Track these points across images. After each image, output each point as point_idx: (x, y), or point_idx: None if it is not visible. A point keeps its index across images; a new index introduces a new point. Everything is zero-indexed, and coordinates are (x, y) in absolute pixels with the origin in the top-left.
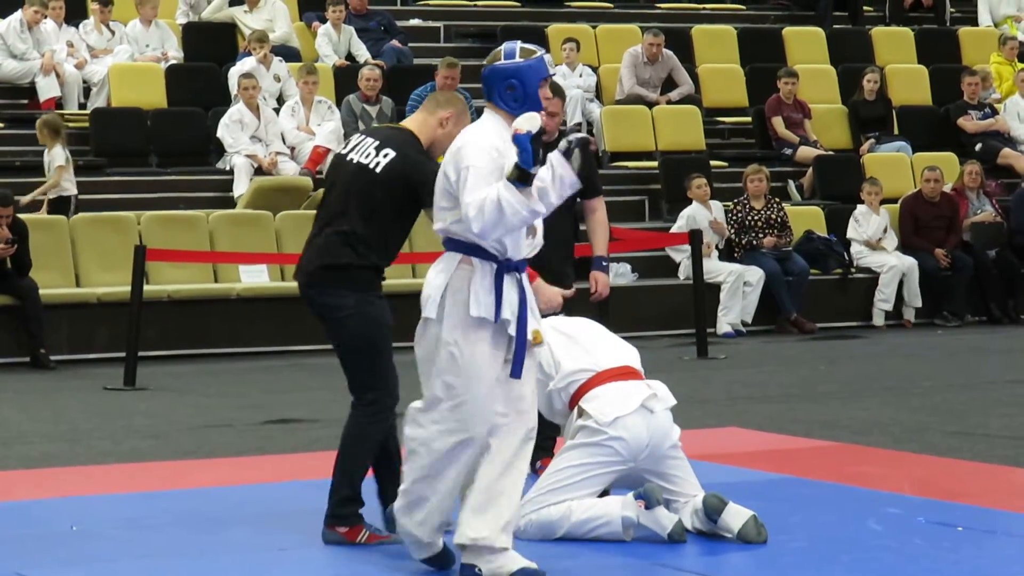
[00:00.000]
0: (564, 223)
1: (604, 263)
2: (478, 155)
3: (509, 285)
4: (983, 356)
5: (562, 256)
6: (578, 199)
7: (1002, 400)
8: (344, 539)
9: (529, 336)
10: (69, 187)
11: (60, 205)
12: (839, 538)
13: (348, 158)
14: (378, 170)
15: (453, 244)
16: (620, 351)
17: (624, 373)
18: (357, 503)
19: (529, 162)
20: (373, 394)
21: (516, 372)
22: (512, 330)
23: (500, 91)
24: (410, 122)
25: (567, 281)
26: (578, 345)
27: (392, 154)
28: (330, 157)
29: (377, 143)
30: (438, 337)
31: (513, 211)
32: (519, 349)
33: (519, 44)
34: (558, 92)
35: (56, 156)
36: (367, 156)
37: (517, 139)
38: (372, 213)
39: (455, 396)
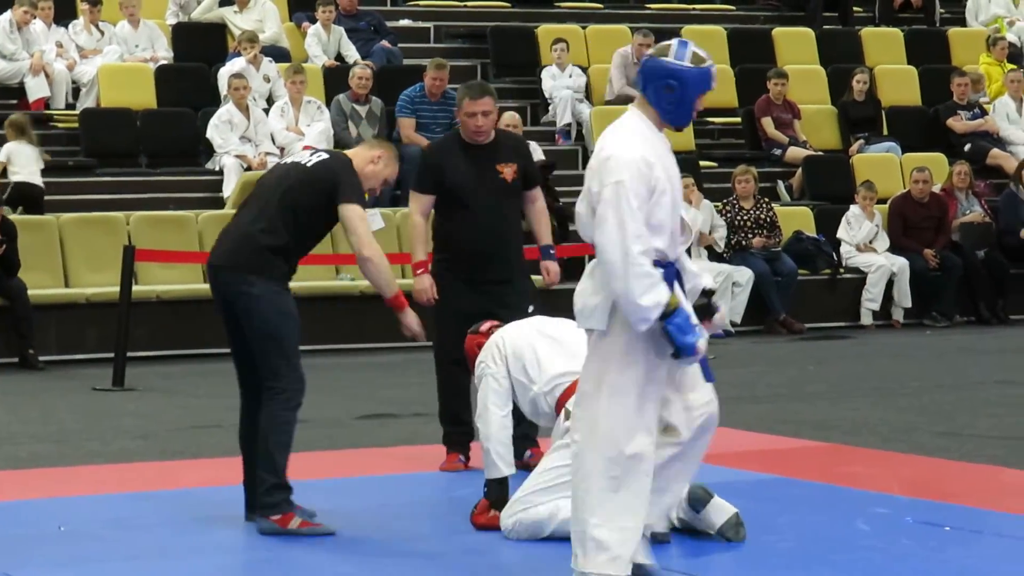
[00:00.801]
0: (516, 214)
1: (551, 251)
2: (625, 169)
3: (677, 290)
4: (971, 356)
5: (518, 246)
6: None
7: (990, 400)
8: (277, 527)
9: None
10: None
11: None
12: (827, 538)
13: (284, 160)
14: (309, 165)
15: None
16: None
17: None
18: (285, 490)
19: (684, 351)
20: (284, 381)
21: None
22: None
23: (657, 87)
24: (349, 152)
25: (524, 271)
26: (562, 347)
27: (325, 156)
28: None
29: (314, 152)
30: (603, 346)
31: (632, 311)
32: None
33: (692, 47)
34: (489, 92)
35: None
36: (301, 158)
37: (687, 348)
38: (292, 209)
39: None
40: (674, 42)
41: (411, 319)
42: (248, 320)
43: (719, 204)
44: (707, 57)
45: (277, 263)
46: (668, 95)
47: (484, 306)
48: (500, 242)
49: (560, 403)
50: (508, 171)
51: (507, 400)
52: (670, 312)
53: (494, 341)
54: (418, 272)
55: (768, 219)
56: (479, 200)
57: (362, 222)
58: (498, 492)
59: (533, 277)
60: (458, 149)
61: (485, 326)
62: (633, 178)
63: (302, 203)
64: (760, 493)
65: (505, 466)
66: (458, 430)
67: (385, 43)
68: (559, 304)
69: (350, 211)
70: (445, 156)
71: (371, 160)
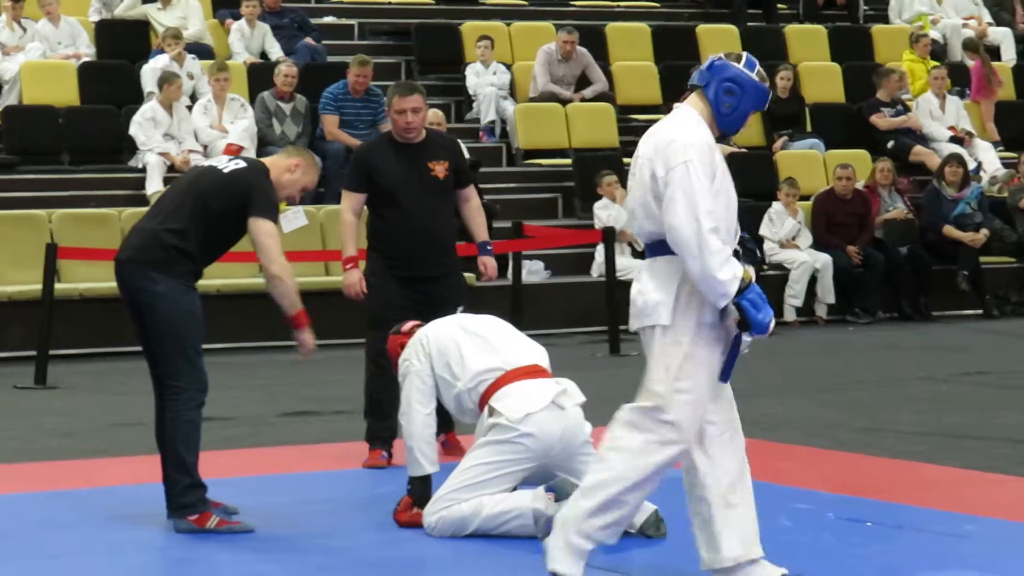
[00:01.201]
0: (449, 211)
1: (489, 247)
2: (692, 149)
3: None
4: (894, 353)
5: (451, 243)
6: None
7: (913, 396)
8: (195, 527)
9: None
10: None
11: None
12: None
13: (202, 163)
14: (225, 171)
15: (666, 247)
16: (528, 349)
17: (533, 371)
18: (200, 489)
19: (757, 328)
20: (185, 380)
21: (726, 377)
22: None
23: (720, 87)
24: (267, 160)
25: (457, 268)
26: (487, 344)
27: (242, 164)
28: (243, 156)
29: (231, 158)
30: (667, 342)
31: (711, 287)
32: (734, 352)
33: (759, 67)
34: (418, 90)
35: None
36: (219, 162)
37: (760, 325)
38: (203, 214)
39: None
40: (746, 54)
41: (307, 337)
42: (150, 318)
43: None
44: (767, 79)
45: (183, 262)
46: (728, 98)
47: (417, 302)
48: (433, 239)
49: (483, 400)
50: (440, 168)
51: (431, 398)
52: (744, 287)
53: (418, 339)
54: (347, 267)
55: None
56: (411, 197)
57: (271, 239)
58: (421, 490)
59: (468, 275)
60: (390, 148)
61: (407, 326)
62: (700, 159)
63: (213, 209)
64: (682, 489)
65: (428, 464)
66: (382, 426)
67: (309, 40)
68: (496, 301)
69: (261, 227)
70: (377, 155)
71: (288, 168)
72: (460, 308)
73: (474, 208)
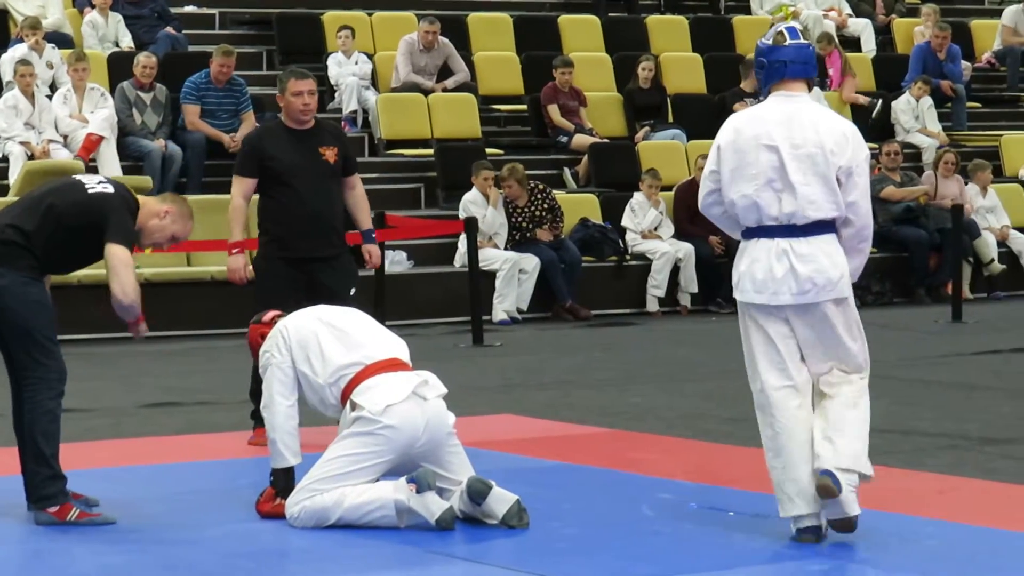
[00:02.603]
0: (339, 196)
1: (373, 235)
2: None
3: None
4: None
5: (341, 227)
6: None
7: None
8: (55, 519)
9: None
10: None
11: None
12: (611, 524)
13: (71, 176)
14: (89, 191)
15: (832, 227)
16: (388, 343)
17: (393, 365)
18: (60, 480)
19: None
20: (42, 370)
21: None
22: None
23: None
24: (142, 198)
25: (344, 247)
26: (347, 338)
27: (111, 189)
28: (103, 146)
29: (105, 180)
30: (852, 310)
31: (863, 266)
32: None
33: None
34: (311, 75)
35: None
36: (90, 180)
37: None
38: (55, 223)
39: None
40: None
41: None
42: None
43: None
44: None
45: (25, 256)
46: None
47: (308, 285)
48: (325, 222)
49: (345, 395)
50: (330, 154)
51: (292, 389)
52: None
53: (278, 331)
54: (233, 252)
55: (547, 210)
56: (304, 181)
57: (125, 268)
58: (284, 481)
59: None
60: (282, 133)
61: (268, 316)
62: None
63: (65, 222)
64: (545, 479)
65: (291, 455)
66: None
67: (170, 29)
68: (360, 291)
69: (113, 252)
70: (269, 140)
71: (157, 214)
72: (351, 291)
73: (359, 196)
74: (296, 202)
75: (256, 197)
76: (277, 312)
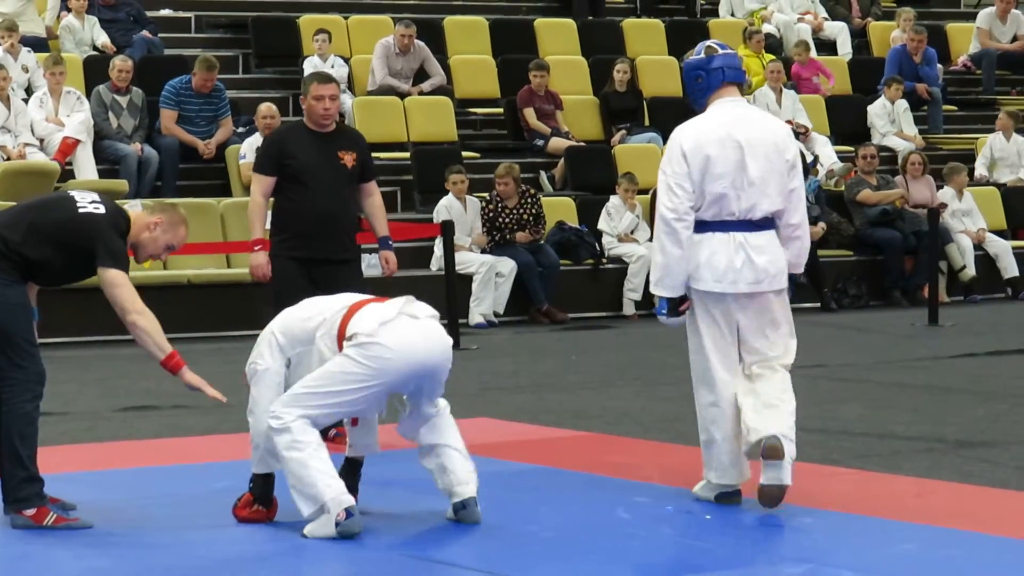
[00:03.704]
0: (354, 200)
1: (390, 241)
2: None
3: None
4: None
5: (354, 231)
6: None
7: None
8: (31, 522)
9: None
10: None
11: None
12: (588, 527)
13: (66, 191)
14: (81, 210)
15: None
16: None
17: (377, 299)
18: (37, 483)
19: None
20: (21, 372)
21: None
22: None
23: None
24: (132, 213)
25: (357, 252)
26: (317, 303)
27: (103, 210)
28: (79, 149)
29: (98, 199)
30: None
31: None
32: None
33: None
34: (335, 79)
35: None
36: (83, 198)
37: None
38: (38, 233)
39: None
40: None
41: (191, 378)
42: None
43: (484, 197)
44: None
45: (6, 264)
46: None
47: (320, 285)
48: (339, 224)
49: (339, 338)
50: (349, 158)
51: (279, 396)
52: None
53: (265, 337)
54: (255, 248)
55: (532, 215)
56: (320, 183)
57: (120, 289)
58: (263, 488)
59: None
60: (303, 134)
61: None
62: None
63: (51, 239)
64: (522, 483)
65: (274, 461)
66: None
67: (146, 33)
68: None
69: (107, 277)
70: (289, 139)
71: (147, 227)
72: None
73: (376, 203)
74: (311, 202)
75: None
76: None
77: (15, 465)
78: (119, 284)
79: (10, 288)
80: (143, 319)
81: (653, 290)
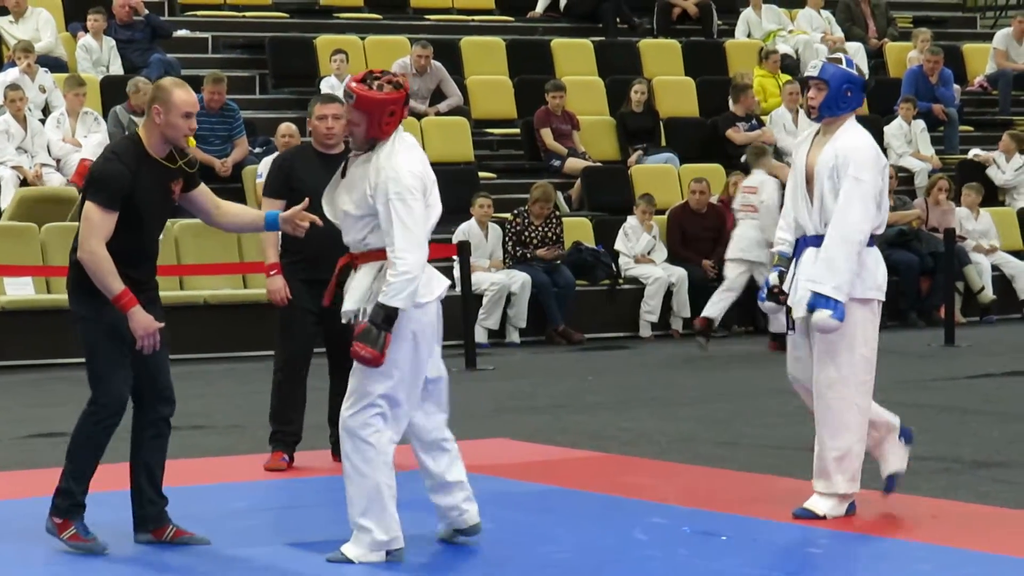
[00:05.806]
0: None
1: None
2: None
3: None
4: (749, 366)
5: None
6: None
7: (766, 410)
8: (55, 529)
9: None
10: None
11: None
12: (605, 548)
13: None
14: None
15: None
16: None
17: None
18: (73, 498)
19: None
20: (93, 395)
21: None
22: None
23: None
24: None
25: None
26: None
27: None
28: None
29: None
30: None
31: None
32: None
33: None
34: (338, 99)
35: None
36: None
37: None
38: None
39: None
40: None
41: (138, 320)
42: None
43: (508, 215)
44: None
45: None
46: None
47: (330, 309)
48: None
49: None
50: None
51: None
52: None
53: None
54: (271, 273)
55: (555, 234)
56: None
57: (85, 222)
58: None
59: None
60: (311, 156)
61: None
62: None
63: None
64: (538, 504)
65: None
66: (286, 431)
67: (162, 54)
68: None
69: (84, 209)
70: (297, 162)
71: (155, 121)
72: None
73: None
74: (319, 226)
75: None
76: None
77: (64, 475)
78: (88, 217)
79: (109, 314)
80: (90, 257)
81: (832, 294)
